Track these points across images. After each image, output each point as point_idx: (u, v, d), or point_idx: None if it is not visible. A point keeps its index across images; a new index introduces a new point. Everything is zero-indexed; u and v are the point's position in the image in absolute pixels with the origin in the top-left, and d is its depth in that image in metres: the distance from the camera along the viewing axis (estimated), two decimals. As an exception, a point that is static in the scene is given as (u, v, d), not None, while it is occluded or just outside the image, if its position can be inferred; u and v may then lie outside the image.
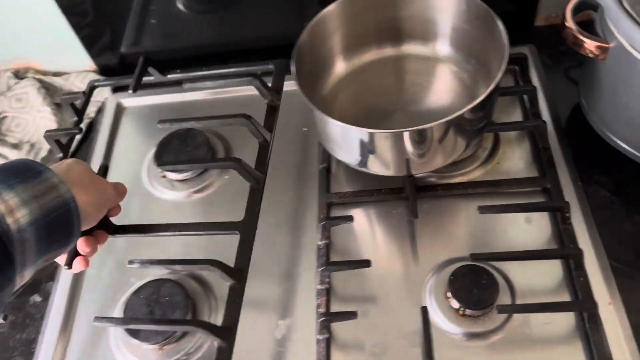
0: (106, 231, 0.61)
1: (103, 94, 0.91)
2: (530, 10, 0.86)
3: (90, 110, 0.90)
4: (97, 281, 0.72)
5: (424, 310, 0.59)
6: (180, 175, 0.78)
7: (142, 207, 0.78)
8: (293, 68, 0.64)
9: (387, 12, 0.73)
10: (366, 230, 0.71)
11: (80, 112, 0.84)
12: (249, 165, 0.66)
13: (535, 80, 0.80)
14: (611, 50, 0.62)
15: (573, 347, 0.59)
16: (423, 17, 0.73)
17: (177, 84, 0.90)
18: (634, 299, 0.61)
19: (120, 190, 0.61)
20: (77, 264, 0.57)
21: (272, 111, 0.72)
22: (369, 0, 0.71)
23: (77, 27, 0.87)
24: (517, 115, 0.78)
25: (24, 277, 0.47)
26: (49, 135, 0.79)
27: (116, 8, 0.87)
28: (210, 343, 0.65)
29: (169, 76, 0.85)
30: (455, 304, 0.61)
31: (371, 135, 0.61)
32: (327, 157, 0.75)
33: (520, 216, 0.68)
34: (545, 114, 0.76)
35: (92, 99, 0.91)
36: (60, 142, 0.79)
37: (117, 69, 0.93)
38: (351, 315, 0.60)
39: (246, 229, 0.62)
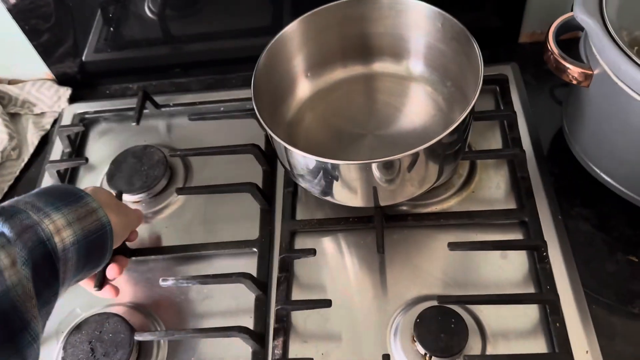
0: (124, 255, 0.64)
1: (60, 104, 0.86)
2: (514, 26, 0.82)
3: (46, 122, 0.85)
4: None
5: (386, 359, 0.55)
6: (135, 197, 0.72)
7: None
8: (253, 96, 0.59)
9: (353, 29, 0.68)
10: (332, 261, 0.66)
11: (73, 143, 0.81)
12: (260, 190, 0.70)
13: (516, 102, 0.75)
14: (595, 77, 0.58)
15: (547, 399, 0.55)
16: (394, 33, 0.68)
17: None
18: (613, 346, 0.57)
19: (139, 214, 0.65)
20: (108, 292, 0.61)
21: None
22: (333, 17, 0.66)
23: (32, 35, 0.82)
24: (496, 138, 0.74)
25: (61, 295, 0.50)
26: (50, 166, 0.76)
27: (77, 14, 0.81)
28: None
29: (164, 109, 0.82)
30: (421, 349, 0.56)
31: (336, 166, 0.56)
32: (293, 182, 0.70)
33: (495, 253, 0.64)
34: (526, 139, 0.71)
35: (49, 109, 0.86)
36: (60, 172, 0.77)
37: (77, 77, 0.88)
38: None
39: (263, 245, 0.67)
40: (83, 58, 0.86)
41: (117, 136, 0.82)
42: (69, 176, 0.78)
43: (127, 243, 0.65)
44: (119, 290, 0.62)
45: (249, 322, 0.62)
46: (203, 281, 0.63)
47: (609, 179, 0.63)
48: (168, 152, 0.75)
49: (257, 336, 0.60)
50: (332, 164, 0.55)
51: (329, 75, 0.72)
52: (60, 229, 0.49)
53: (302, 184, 0.63)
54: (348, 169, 0.56)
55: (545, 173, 0.68)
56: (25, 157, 0.81)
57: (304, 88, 0.71)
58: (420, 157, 0.56)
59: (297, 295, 0.64)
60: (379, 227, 0.62)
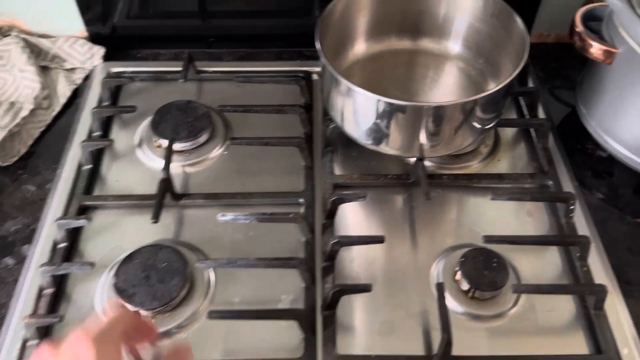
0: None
1: (93, 62, 0.87)
2: (527, 26, 0.90)
3: (77, 77, 0.86)
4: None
5: (440, 287, 0.59)
6: (178, 146, 0.74)
7: (133, 176, 0.74)
8: (318, 34, 0.64)
9: (411, 4, 0.75)
10: (371, 215, 0.71)
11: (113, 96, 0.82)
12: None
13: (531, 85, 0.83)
14: (620, 54, 0.66)
15: (577, 334, 0.60)
16: (442, 13, 0.75)
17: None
18: (632, 292, 0.63)
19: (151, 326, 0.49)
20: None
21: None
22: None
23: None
24: (514, 117, 0.81)
25: None
26: (85, 145, 0.73)
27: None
28: (205, 317, 0.61)
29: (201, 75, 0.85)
30: (465, 285, 0.61)
31: (391, 106, 0.61)
32: (332, 140, 0.74)
33: (522, 210, 0.70)
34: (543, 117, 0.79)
35: (80, 65, 0.87)
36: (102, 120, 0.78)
37: (109, 39, 0.89)
38: (366, 287, 0.58)
39: (308, 197, 0.69)
40: (115, 21, 0.88)
41: (155, 94, 0.83)
42: (108, 126, 0.79)
43: None
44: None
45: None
46: (260, 218, 0.65)
47: (623, 151, 0.71)
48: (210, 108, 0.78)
49: (310, 270, 0.62)
50: (389, 102, 0.60)
51: (382, 43, 0.78)
52: None
53: (352, 130, 0.67)
54: (401, 109, 0.61)
55: (560, 147, 0.76)
56: (57, 108, 0.81)
57: (359, 47, 0.76)
58: (465, 111, 0.62)
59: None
60: (424, 176, 0.67)
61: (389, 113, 0.61)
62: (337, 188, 0.71)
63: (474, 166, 0.74)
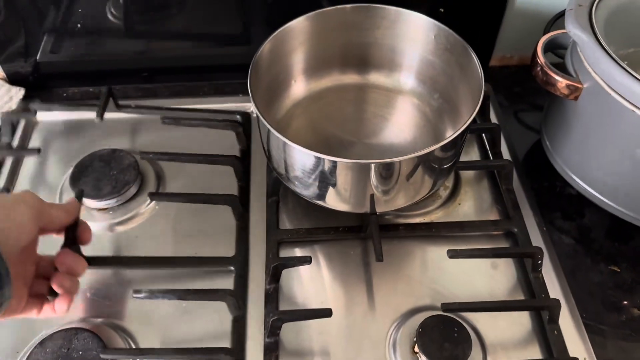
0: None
1: (11, 105, 0.78)
2: (487, 49, 0.84)
3: (-7, 124, 0.77)
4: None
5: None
6: (102, 204, 0.66)
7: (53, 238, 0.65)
8: (249, 83, 0.56)
9: (355, 36, 0.67)
10: (320, 273, 0.63)
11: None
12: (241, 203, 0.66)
13: (494, 119, 0.77)
14: (585, 90, 0.60)
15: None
16: (391, 45, 0.68)
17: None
18: (606, 353, 0.57)
19: (68, 207, 0.53)
20: (59, 305, 0.49)
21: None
22: (339, 20, 0.65)
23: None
24: (475, 155, 0.75)
25: None
26: None
27: (32, 12, 0.75)
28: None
29: (128, 114, 0.76)
30: (424, 360, 0.54)
31: (334, 164, 0.54)
32: (277, 190, 0.67)
33: (486, 262, 0.64)
34: (506, 155, 0.73)
35: (-3, 110, 0.78)
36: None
37: (30, 78, 0.81)
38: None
39: (239, 263, 0.62)
40: (37, 58, 0.79)
41: (77, 140, 0.75)
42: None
43: (82, 247, 0.55)
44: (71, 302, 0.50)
45: (227, 342, 0.57)
46: (182, 296, 0.57)
47: (592, 191, 0.65)
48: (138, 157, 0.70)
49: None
50: (332, 160, 0.53)
51: (324, 79, 0.70)
52: None
53: (294, 186, 0.60)
54: (346, 167, 0.54)
55: (527, 186, 0.70)
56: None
57: (298, 88, 0.69)
58: (419, 163, 0.55)
59: (285, 307, 0.60)
60: (376, 234, 0.60)
61: (331, 170, 0.54)
62: (282, 244, 0.64)
63: (432, 212, 0.68)
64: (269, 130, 0.54)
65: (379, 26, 0.66)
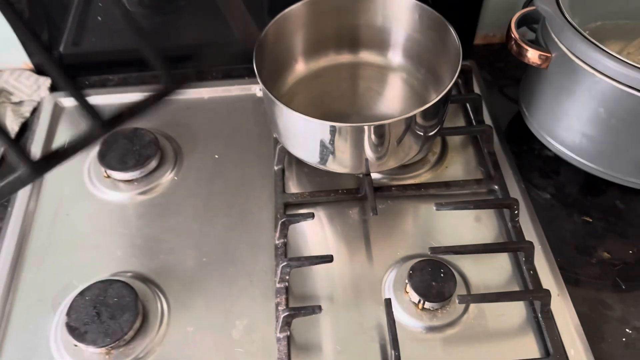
0: None
1: (40, 93, 0.86)
2: (470, 29, 0.92)
3: (25, 110, 0.85)
4: (33, 283, 0.67)
5: (388, 303, 0.60)
6: (126, 175, 0.74)
7: (83, 209, 0.73)
8: (254, 62, 0.64)
9: (347, 20, 0.75)
10: (323, 230, 0.71)
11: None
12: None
13: (477, 91, 0.84)
14: (553, 59, 0.67)
15: (527, 337, 0.61)
16: (379, 26, 0.76)
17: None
18: (578, 291, 0.65)
19: None
20: None
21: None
22: (332, 5, 0.73)
23: (13, 22, 0.82)
24: (460, 123, 0.82)
25: None
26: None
27: (56, 4, 0.83)
28: (162, 348, 0.61)
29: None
30: (415, 297, 0.62)
31: (333, 129, 0.61)
32: (282, 159, 0.75)
33: (470, 216, 0.71)
34: (488, 122, 0.80)
35: (28, 98, 0.86)
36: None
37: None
38: (315, 309, 0.59)
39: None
40: (61, 49, 0.88)
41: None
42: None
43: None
44: None
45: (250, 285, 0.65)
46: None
47: (564, 150, 0.72)
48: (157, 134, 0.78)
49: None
50: (330, 125, 0.60)
51: (321, 59, 0.78)
52: None
53: (297, 152, 0.68)
54: (343, 131, 0.62)
55: (507, 150, 0.77)
56: (5, 143, 0.81)
57: (299, 67, 0.77)
58: (406, 126, 0.63)
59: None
60: (371, 192, 0.68)
61: (330, 135, 0.62)
62: (288, 207, 0.72)
63: (422, 175, 0.75)
64: (272, 100, 0.62)
65: (367, 9, 0.74)
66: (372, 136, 0.62)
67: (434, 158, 0.77)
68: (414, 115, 0.61)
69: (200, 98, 0.85)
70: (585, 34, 0.63)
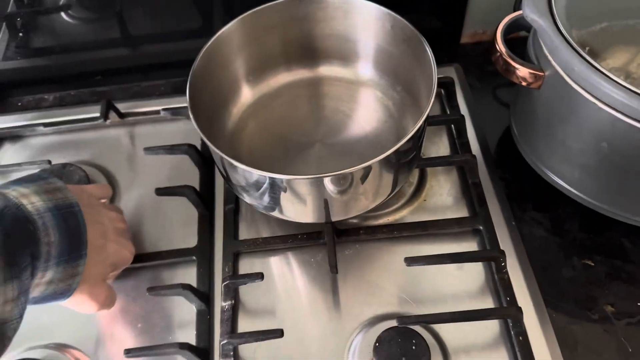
0: None
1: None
2: (456, 26, 0.80)
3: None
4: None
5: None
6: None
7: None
8: (187, 102, 0.53)
9: (297, 30, 0.63)
10: (281, 284, 0.61)
11: None
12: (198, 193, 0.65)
13: (462, 105, 0.73)
14: (546, 78, 0.56)
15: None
16: (341, 35, 0.64)
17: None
18: (575, 357, 0.55)
19: (128, 250, 0.58)
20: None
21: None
22: (275, 17, 0.61)
23: None
24: (444, 143, 0.71)
25: (45, 276, 0.45)
26: None
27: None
28: None
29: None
30: (381, 376, 0.52)
31: (283, 180, 0.51)
32: (234, 197, 0.65)
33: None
34: (474, 144, 0.69)
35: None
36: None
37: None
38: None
39: (202, 253, 0.62)
40: (-11, 66, 0.77)
41: (28, 151, 0.73)
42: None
43: None
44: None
45: (191, 337, 0.57)
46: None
47: (561, 182, 0.61)
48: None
49: (202, 353, 0.54)
50: (279, 178, 0.50)
51: (272, 79, 0.67)
52: (26, 194, 0.45)
53: (246, 199, 0.58)
54: (297, 183, 0.51)
55: (495, 178, 0.67)
56: None
57: (245, 94, 0.65)
58: (374, 169, 0.52)
59: (244, 322, 0.58)
60: (331, 245, 0.58)
61: (279, 185, 0.51)
62: (239, 256, 0.62)
63: (397, 211, 0.65)
64: (211, 148, 0.51)
65: (323, 18, 0.62)
66: (333, 184, 0.52)
67: (411, 190, 0.66)
68: (383, 158, 0.50)
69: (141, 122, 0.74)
70: (582, 53, 0.51)
